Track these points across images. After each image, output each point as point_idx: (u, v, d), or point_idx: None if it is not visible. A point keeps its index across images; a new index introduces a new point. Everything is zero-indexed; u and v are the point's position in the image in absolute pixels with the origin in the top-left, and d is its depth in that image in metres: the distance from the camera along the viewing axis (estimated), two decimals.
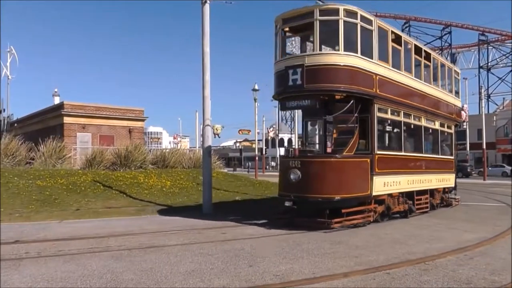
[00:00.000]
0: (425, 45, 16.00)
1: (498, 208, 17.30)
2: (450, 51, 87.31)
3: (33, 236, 10.08)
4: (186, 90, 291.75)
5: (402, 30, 15.83)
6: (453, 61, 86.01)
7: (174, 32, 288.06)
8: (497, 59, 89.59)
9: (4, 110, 39.85)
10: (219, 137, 63.24)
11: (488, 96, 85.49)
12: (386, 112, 12.96)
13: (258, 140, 58.55)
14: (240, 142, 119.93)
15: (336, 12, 11.46)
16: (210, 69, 15.51)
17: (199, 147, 43.93)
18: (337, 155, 11.73)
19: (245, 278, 6.49)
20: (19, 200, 15.09)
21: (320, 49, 11.68)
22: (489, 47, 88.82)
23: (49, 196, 16.02)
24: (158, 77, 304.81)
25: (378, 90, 12.21)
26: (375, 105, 12.24)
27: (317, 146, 14.31)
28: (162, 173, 23.34)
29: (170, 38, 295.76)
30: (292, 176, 11.36)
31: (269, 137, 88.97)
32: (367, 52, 11.90)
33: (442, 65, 17.62)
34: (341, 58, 11.44)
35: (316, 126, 14.33)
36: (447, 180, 17.34)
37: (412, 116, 14.41)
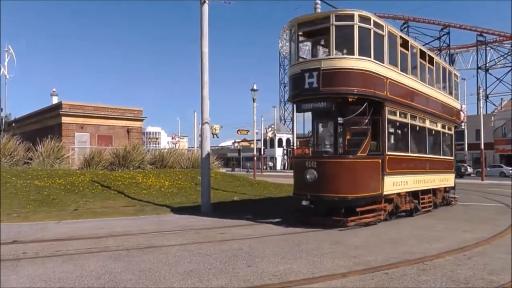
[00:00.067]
0: (423, 45, 16.14)
1: (497, 208, 17.34)
2: (448, 52, 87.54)
3: (31, 236, 10.06)
4: (185, 90, 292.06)
5: (401, 31, 16.03)
6: (452, 61, 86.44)
7: (173, 32, 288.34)
8: (495, 60, 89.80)
9: (2, 109, 39.86)
10: (217, 137, 63.28)
11: (486, 97, 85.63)
12: (395, 114, 13.35)
13: (257, 140, 58.50)
14: (238, 142, 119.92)
15: (351, 17, 11.78)
16: (209, 69, 15.52)
17: (197, 147, 43.92)
18: (352, 156, 12.05)
19: (243, 278, 6.48)
20: (17, 200, 15.06)
21: (336, 53, 12.04)
22: (487, 48, 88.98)
23: (47, 196, 15.99)
24: (156, 77, 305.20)
25: (388, 93, 12.63)
26: (386, 107, 12.66)
27: (328, 147, 14.62)
28: (160, 173, 23.33)
29: (169, 38, 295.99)
30: (308, 176, 11.67)
31: (268, 137, 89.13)
32: (379, 57, 12.29)
33: (444, 69, 18.05)
34: (356, 62, 11.78)
35: (327, 128, 14.64)
36: (447, 179, 17.88)
37: (417, 118, 14.86)
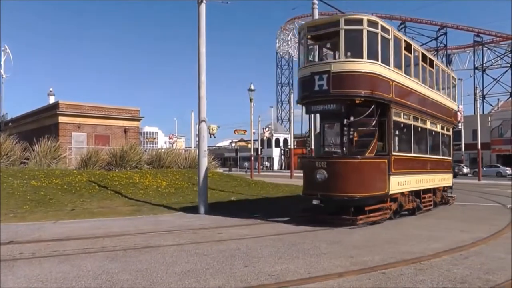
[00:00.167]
0: (420, 46, 16.33)
1: (493, 208, 17.43)
2: (445, 52, 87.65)
3: (28, 236, 10.03)
4: (182, 90, 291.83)
5: (398, 31, 16.11)
6: (449, 62, 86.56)
7: (171, 32, 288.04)
8: (492, 60, 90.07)
9: None
10: (214, 137, 63.37)
11: (483, 97, 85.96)
12: (399, 116, 13.68)
13: (254, 140, 58.50)
14: (235, 142, 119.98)
15: (360, 22, 12.21)
16: (206, 69, 15.50)
17: (194, 147, 43.89)
18: (361, 157, 12.40)
19: (240, 278, 6.48)
20: (14, 200, 15.02)
21: (345, 57, 12.28)
22: (484, 49, 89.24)
23: (44, 196, 15.96)
24: (154, 77, 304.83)
25: (394, 96, 12.99)
26: (392, 109, 12.97)
27: (335, 147, 14.89)
28: (157, 173, 23.31)
29: (167, 38, 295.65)
30: (318, 176, 11.99)
31: (265, 137, 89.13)
32: (385, 60, 12.66)
33: (443, 71, 18.56)
34: (364, 65, 12.13)
35: (334, 129, 15.00)
36: (446, 179, 18.41)
37: (419, 119, 15.24)
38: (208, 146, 17.17)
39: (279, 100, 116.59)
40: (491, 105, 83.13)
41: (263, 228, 11.62)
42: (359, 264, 7.43)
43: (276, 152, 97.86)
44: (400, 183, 13.29)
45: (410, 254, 8.32)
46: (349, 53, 12.45)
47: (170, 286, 6.07)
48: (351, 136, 13.63)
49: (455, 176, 48.71)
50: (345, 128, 13.65)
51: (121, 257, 7.89)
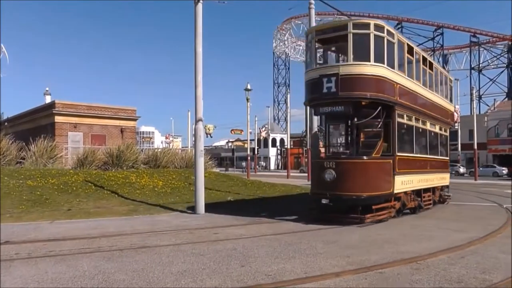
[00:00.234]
0: (417, 46, 16.52)
1: (490, 208, 17.50)
2: (442, 52, 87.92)
3: (24, 236, 10.00)
4: (179, 90, 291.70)
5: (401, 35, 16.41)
6: (445, 62, 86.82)
7: (167, 32, 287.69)
8: (488, 61, 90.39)
9: None
10: (211, 137, 63.21)
11: (480, 97, 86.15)
12: (403, 118, 14.07)
13: (251, 140, 58.46)
14: (232, 142, 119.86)
15: (367, 26, 12.60)
16: (203, 69, 15.48)
17: (191, 147, 43.83)
18: (368, 157, 12.79)
19: (237, 278, 6.48)
20: (10, 200, 14.96)
21: (353, 60, 12.61)
22: (481, 49, 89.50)
23: (40, 196, 15.90)
24: (150, 77, 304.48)
25: (398, 98, 13.38)
26: (396, 111, 13.35)
27: (341, 148, 15.20)
28: (154, 173, 23.28)
29: (163, 38, 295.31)
30: (327, 176, 12.30)
31: (262, 137, 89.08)
32: (390, 63, 13.02)
33: (441, 73, 19.04)
34: (371, 68, 12.48)
35: (339, 130, 15.41)
36: (444, 178, 18.97)
37: (420, 120, 15.64)
38: (204, 146, 17.18)
39: (276, 100, 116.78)
40: (488, 105, 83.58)
41: (259, 228, 11.62)
42: (356, 264, 7.43)
43: (272, 152, 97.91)
44: (404, 183, 13.67)
45: (407, 253, 8.34)
46: (357, 57, 12.74)
47: (166, 286, 6.06)
48: (357, 137, 13.93)
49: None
50: (352, 129, 13.97)
51: (118, 257, 7.88)
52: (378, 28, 12.67)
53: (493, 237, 10.41)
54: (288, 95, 55.72)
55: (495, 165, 59.02)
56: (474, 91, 52.67)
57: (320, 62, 14.18)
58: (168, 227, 11.54)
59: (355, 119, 13.45)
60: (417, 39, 75.58)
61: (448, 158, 20.18)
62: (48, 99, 39.27)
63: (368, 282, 6.32)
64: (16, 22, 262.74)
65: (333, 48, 14.62)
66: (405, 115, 14.17)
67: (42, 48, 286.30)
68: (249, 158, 50.10)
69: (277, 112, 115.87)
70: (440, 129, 18.45)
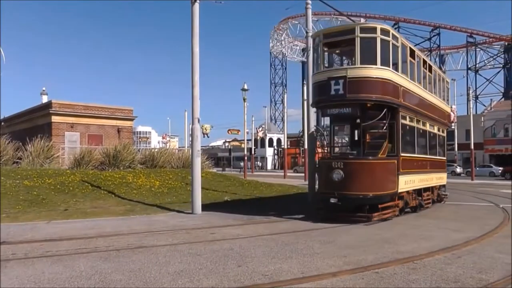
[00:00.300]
0: (414, 46, 16.66)
1: (486, 208, 17.54)
2: (438, 53, 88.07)
3: (20, 236, 9.98)
4: (176, 90, 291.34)
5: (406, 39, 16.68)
6: (442, 62, 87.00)
7: (165, 32, 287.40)
8: (485, 61, 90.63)
9: None
10: (208, 137, 63.33)
11: (476, 97, 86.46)
12: (405, 119, 14.42)
13: (247, 140, 58.47)
14: (229, 142, 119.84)
15: (374, 30, 12.97)
16: (200, 69, 15.46)
17: (188, 146, 43.81)
18: (375, 157, 13.10)
19: (234, 278, 6.47)
20: (6, 200, 14.91)
21: (360, 63, 12.86)
22: (477, 49, 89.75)
23: (37, 196, 15.87)
24: (147, 77, 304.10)
25: (402, 100, 13.75)
26: (400, 113, 13.72)
27: (345, 149, 15.48)
28: (151, 173, 23.26)
29: (160, 38, 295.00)
30: (335, 176, 12.61)
31: (258, 137, 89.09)
32: (394, 66, 13.47)
33: (439, 75, 19.63)
34: (377, 71, 12.82)
35: (344, 131, 15.76)
36: (442, 178, 19.48)
37: (421, 122, 16.06)
38: (201, 146, 17.15)
39: (273, 100, 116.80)
40: (484, 105, 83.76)
41: (256, 228, 11.62)
42: (353, 264, 7.44)
43: (269, 152, 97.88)
44: (406, 182, 14.01)
45: (403, 253, 8.35)
46: (364, 60, 12.97)
47: (163, 286, 6.05)
48: (363, 138, 14.17)
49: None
50: (358, 131, 14.30)
51: (114, 257, 7.86)
52: (384, 32, 13.00)
53: (489, 237, 10.45)
54: (285, 95, 55.90)
55: (491, 165, 59.12)
56: (470, 91, 52.81)
57: (326, 65, 14.49)
58: (165, 227, 11.52)
59: (362, 121, 13.73)
60: (414, 39, 75.77)
61: (445, 158, 20.60)
62: (44, 99, 39.17)
63: (365, 282, 6.32)
64: (12, 22, 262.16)
65: (338, 51, 15.02)
66: (407, 117, 14.50)
67: (39, 48, 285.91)
68: (246, 158, 50.10)
69: (274, 112, 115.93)
70: (438, 130, 18.82)
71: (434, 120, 17.92)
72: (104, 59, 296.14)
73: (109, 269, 6.92)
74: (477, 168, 53.91)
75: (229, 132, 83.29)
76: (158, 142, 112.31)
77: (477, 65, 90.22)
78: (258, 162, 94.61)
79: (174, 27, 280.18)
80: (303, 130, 42.49)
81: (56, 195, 16.38)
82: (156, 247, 8.82)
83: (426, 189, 16.67)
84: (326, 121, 15.82)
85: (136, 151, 28.45)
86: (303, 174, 42.37)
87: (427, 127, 16.90)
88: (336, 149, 16.32)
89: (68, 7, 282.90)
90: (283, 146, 67.25)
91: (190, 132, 15.68)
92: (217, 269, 7.01)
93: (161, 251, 8.45)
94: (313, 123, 18.02)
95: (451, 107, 31.61)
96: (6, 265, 7.19)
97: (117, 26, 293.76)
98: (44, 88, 41.77)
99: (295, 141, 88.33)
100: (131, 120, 35.70)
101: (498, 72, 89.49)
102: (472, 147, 44.53)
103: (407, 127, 14.67)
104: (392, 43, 13.21)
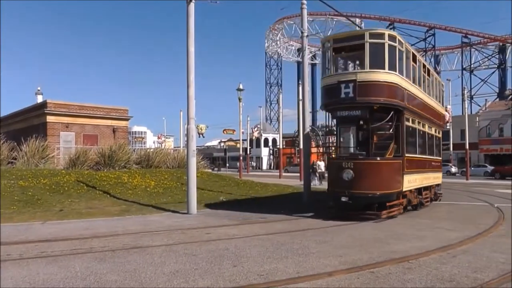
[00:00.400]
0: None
1: (481, 207, 17.64)
2: (434, 53, 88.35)
3: (15, 237, 9.93)
4: (171, 90, 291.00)
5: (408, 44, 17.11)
6: (437, 62, 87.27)
7: (160, 32, 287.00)
8: (480, 61, 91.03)
9: None
10: (203, 137, 63.13)
11: (471, 98, 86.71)
12: (409, 121, 14.93)
13: (243, 140, 58.43)
14: (224, 142, 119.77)
15: (382, 36, 13.51)
16: (195, 69, 15.46)
17: (183, 146, 43.76)
18: (382, 158, 13.68)
19: (229, 278, 6.47)
20: (1, 201, 14.85)
21: (370, 67, 13.36)
22: (472, 49, 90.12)
23: (32, 196, 15.81)
24: (142, 77, 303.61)
25: (406, 103, 14.28)
26: (405, 115, 14.25)
27: (351, 149, 15.61)
28: (146, 173, 23.22)
29: (155, 38, 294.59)
30: (345, 175, 13.13)
31: (254, 137, 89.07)
32: (400, 70, 13.92)
33: (435, 78, 20.29)
34: (385, 75, 13.35)
35: (349, 132, 15.98)
36: (438, 177, 20.05)
37: (421, 123, 16.62)
38: (197, 146, 17.15)
39: (268, 100, 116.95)
40: (479, 106, 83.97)
41: (252, 228, 11.63)
42: (348, 263, 7.45)
43: (265, 152, 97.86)
44: (410, 181, 14.60)
45: (398, 253, 8.37)
46: (371, 64, 13.35)
47: (158, 287, 6.04)
48: (371, 139, 14.51)
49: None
50: (366, 132, 14.61)
51: (110, 257, 7.85)
52: (391, 38, 13.57)
53: (484, 236, 10.49)
54: (280, 95, 55.81)
55: (486, 164, 59.33)
56: (465, 92, 52.96)
57: (336, 69, 14.91)
58: (160, 227, 11.51)
59: (370, 123, 14.09)
60: (409, 39, 75.75)
61: (440, 158, 21.22)
62: (39, 99, 38.99)
63: (360, 282, 6.34)
64: (8, 21, 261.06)
65: (346, 56, 15.39)
66: (411, 119, 15.03)
67: (34, 48, 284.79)
68: (241, 158, 50.08)
69: (269, 112, 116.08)
70: (435, 131, 19.37)
71: (432, 122, 18.41)
72: (99, 59, 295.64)
73: (105, 270, 6.90)
74: (472, 168, 54.11)
75: (225, 132, 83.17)
76: (154, 142, 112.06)
77: (472, 66, 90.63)
78: (253, 162, 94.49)
79: (170, 27, 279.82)
80: (298, 130, 42.50)
81: (51, 196, 16.32)
82: (151, 248, 8.81)
83: (426, 188, 17.14)
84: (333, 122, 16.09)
85: (131, 151, 28.37)
86: (294, 174, 42.35)
87: (426, 129, 17.36)
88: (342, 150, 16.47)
89: (64, 7, 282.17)
90: (278, 146, 67.23)
91: (186, 132, 15.68)
92: (213, 269, 7.00)
93: (157, 251, 8.44)
94: (308, 123, 18.12)
95: (446, 108, 32.14)
96: (1, 265, 7.16)
97: (112, 26, 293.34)
98: (39, 88, 41.67)
99: (290, 141, 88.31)
100: (126, 120, 35.59)
101: (493, 72, 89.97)
102: (467, 147, 44.64)
103: (410, 128, 15.13)
104: (398, 49, 13.71)
